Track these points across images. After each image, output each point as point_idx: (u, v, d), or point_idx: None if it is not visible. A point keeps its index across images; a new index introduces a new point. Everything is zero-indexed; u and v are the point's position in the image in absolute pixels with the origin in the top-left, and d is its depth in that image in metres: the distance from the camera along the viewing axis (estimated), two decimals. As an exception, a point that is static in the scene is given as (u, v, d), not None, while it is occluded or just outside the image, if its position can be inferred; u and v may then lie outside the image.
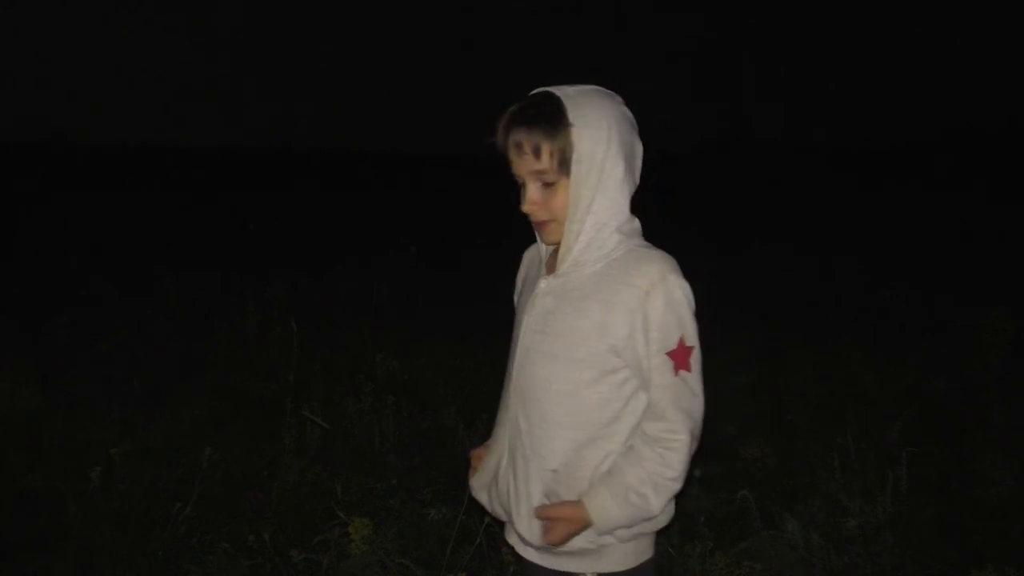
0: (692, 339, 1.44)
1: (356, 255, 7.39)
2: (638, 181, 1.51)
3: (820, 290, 6.45)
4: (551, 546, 1.51)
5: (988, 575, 2.65)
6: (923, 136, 20.76)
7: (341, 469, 3.48)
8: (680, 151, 18.82)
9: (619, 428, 1.47)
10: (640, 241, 1.50)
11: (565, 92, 1.45)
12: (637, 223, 1.51)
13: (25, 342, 4.81)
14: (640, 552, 1.54)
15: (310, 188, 14.50)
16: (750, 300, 6.09)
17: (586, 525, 1.47)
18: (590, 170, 1.43)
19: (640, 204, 1.55)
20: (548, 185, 1.46)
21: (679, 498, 1.54)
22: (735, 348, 4.90)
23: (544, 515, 1.50)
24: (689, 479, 3.06)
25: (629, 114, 1.48)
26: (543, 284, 1.54)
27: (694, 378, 1.44)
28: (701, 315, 1.46)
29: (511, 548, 1.64)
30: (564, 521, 1.47)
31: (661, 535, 1.91)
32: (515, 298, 1.69)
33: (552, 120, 1.42)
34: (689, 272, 1.47)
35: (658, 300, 1.41)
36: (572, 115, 1.42)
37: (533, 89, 1.49)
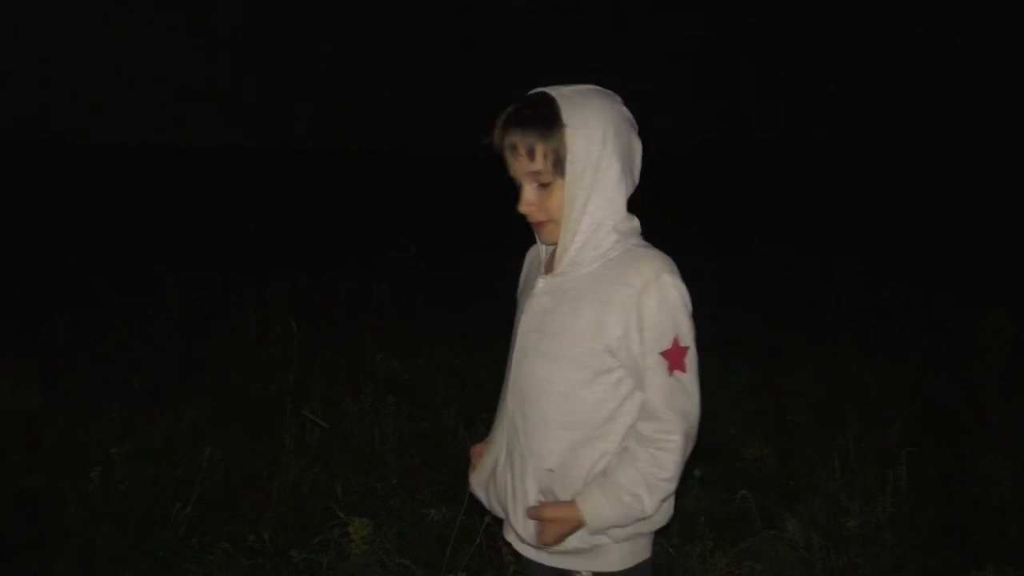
0: (687, 339, 1.43)
1: (356, 255, 7.40)
2: (638, 180, 1.51)
3: (820, 290, 6.45)
4: (545, 546, 1.52)
5: (988, 575, 2.65)
6: (923, 136, 20.75)
7: (341, 469, 3.48)
8: (680, 151, 18.80)
9: (615, 428, 1.47)
10: (638, 241, 1.50)
11: (560, 92, 1.45)
12: (635, 222, 1.51)
13: (25, 342, 4.81)
14: (636, 552, 1.54)
15: (310, 188, 14.50)
16: (750, 300, 6.09)
17: (579, 525, 1.47)
18: (585, 170, 1.43)
19: (640, 204, 1.55)
20: (544, 186, 1.47)
21: (679, 498, 1.54)
22: (735, 348, 4.91)
23: (536, 516, 1.50)
24: (689, 479, 3.06)
25: (627, 113, 1.48)
26: (540, 284, 1.54)
27: (689, 379, 1.44)
28: (701, 315, 1.46)
29: (510, 547, 1.65)
30: (557, 522, 1.48)
31: (661, 535, 1.91)
32: (517, 297, 1.69)
33: (546, 121, 1.43)
34: (689, 272, 1.47)
35: (652, 300, 1.41)
36: (566, 115, 1.42)
37: (532, 89, 1.49)
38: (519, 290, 1.69)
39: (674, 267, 1.45)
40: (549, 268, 1.56)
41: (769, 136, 22.39)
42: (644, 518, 1.46)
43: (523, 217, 1.54)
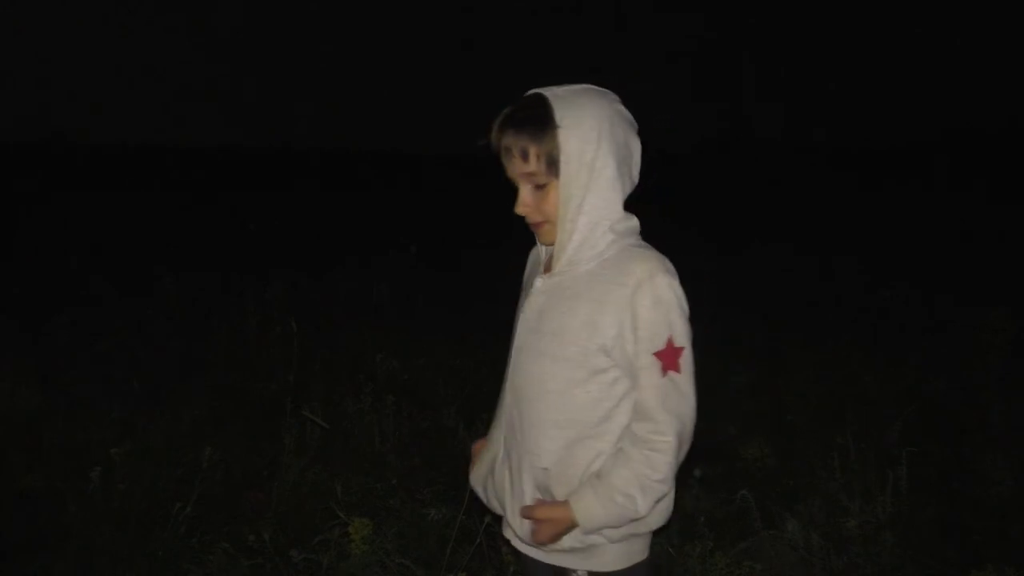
0: (682, 340, 1.43)
1: (356, 255, 7.40)
2: (637, 180, 1.51)
3: (820, 290, 6.45)
4: (540, 545, 1.52)
5: (988, 575, 2.65)
6: (923, 136, 20.74)
7: (341, 469, 3.48)
8: (680, 151, 18.80)
9: (610, 428, 1.47)
10: (635, 240, 1.50)
11: (555, 93, 1.45)
12: (633, 222, 1.51)
13: (25, 342, 4.81)
14: (632, 553, 1.54)
15: (310, 188, 14.50)
16: (750, 300, 6.09)
17: (573, 525, 1.47)
18: (579, 170, 1.43)
19: (640, 204, 1.55)
20: (539, 187, 1.47)
21: (679, 498, 1.54)
22: (735, 348, 4.91)
23: (530, 515, 1.51)
24: (689, 479, 3.06)
25: (625, 112, 1.48)
26: (538, 283, 1.55)
27: (684, 379, 1.43)
28: (701, 315, 1.46)
29: (510, 546, 1.65)
30: (551, 522, 1.48)
31: (660, 535, 1.91)
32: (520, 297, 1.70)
33: (538, 123, 1.43)
34: (689, 272, 1.47)
35: (645, 299, 1.41)
36: (559, 116, 1.42)
37: (530, 90, 1.49)
38: (522, 290, 1.70)
39: (669, 267, 1.45)
40: (548, 268, 1.56)
41: (769, 136, 22.37)
42: (638, 519, 1.46)
43: (523, 218, 1.54)
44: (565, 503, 1.47)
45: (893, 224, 9.64)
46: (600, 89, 1.49)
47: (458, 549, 2.72)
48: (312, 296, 6.09)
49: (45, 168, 15.60)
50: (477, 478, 1.67)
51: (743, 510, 2.98)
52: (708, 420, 1.49)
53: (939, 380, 4.48)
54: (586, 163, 1.43)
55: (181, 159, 19.20)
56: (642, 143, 1.50)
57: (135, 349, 4.79)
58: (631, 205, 1.53)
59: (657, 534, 1.59)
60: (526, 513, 1.52)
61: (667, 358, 1.42)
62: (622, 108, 1.48)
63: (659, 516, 1.51)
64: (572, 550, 1.51)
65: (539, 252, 1.64)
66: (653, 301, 1.41)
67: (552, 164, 1.44)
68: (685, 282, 1.47)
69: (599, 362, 1.45)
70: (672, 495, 1.51)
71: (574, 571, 1.53)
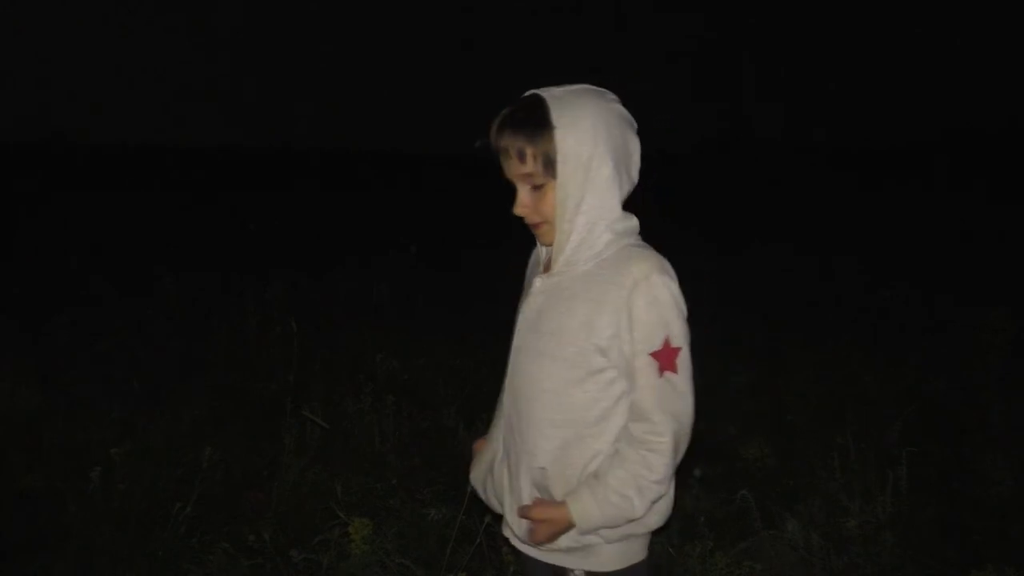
0: (679, 340, 1.42)
1: (356, 255, 7.40)
2: (636, 179, 1.51)
3: (820, 290, 6.45)
4: (537, 544, 1.53)
5: (988, 575, 2.65)
6: (923, 136, 20.74)
7: (341, 469, 3.48)
8: (680, 151, 18.81)
9: (607, 428, 1.47)
10: (634, 240, 1.50)
11: (552, 94, 1.46)
12: (632, 222, 1.50)
13: (25, 342, 4.81)
14: (630, 554, 1.54)
15: (310, 188, 14.50)
16: (750, 300, 6.09)
17: (570, 526, 1.47)
18: (576, 170, 1.43)
19: (640, 204, 1.55)
20: (537, 188, 1.47)
21: (679, 498, 1.54)
22: (735, 348, 4.91)
23: (526, 515, 1.51)
24: (689, 479, 3.06)
25: (623, 112, 1.48)
26: (537, 283, 1.55)
27: (681, 380, 1.43)
28: (701, 315, 1.46)
29: (510, 545, 1.66)
30: (548, 522, 1.48)
31: (660, 535, 1.91)
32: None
33: (535, 124, 1.43)
34: (689, 272, 1.47)
35: (641, 299, 1.41)
36: (555, 117, 1.42)
37: (530, 90, 1.49)
38: (523, 290, 1.70)
39: (666, 267, 1.45)
40: (547, 268, 1.56)
41: (769, 136, 22.38)
42: (635, 519, 1.46)
43: (522, 219, 1.54)
44: (562, 503, 1.47)
45: (893, 224, 9.64)
46: (598, 89, 1.49)
47: (458, 549, 2.72)
48: (312, 296, 6.09)
49: (45, 168, 15.60)
50: (477, 477, 1.68)
51: (743, 510, 2.97)
52: (708, 420, 1.49)
53: (939, 380, 4.48)
54: (583, 163, 1.43)
55: (181, 159, 19.20)
56: (642, 143, 1.50)
57: (135, 349, 4.79)
58: (631, 205, 1.53)
59: (657, 534, 1.59)
60: (523, 513, 1.52)
61: (664, 358, 1.42)
62: (621, 108, 1.48)
63: (657, 517, 1.51)
64: (569, 550, 1.52)
65: (540, 252, 1.65)
66: (649, 301, 1.41)
67: (549, 165, 1.44)
68: (685, 282, 1.47)
69: (596, 362, 1.45)
70: (670, 496, 1.51)
71: (571, 570, 1.53)
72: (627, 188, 1.50)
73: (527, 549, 1.59)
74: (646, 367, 1.42)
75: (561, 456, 1.49)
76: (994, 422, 3.92)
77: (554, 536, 1.50)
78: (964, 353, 4.70)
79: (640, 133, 1.50)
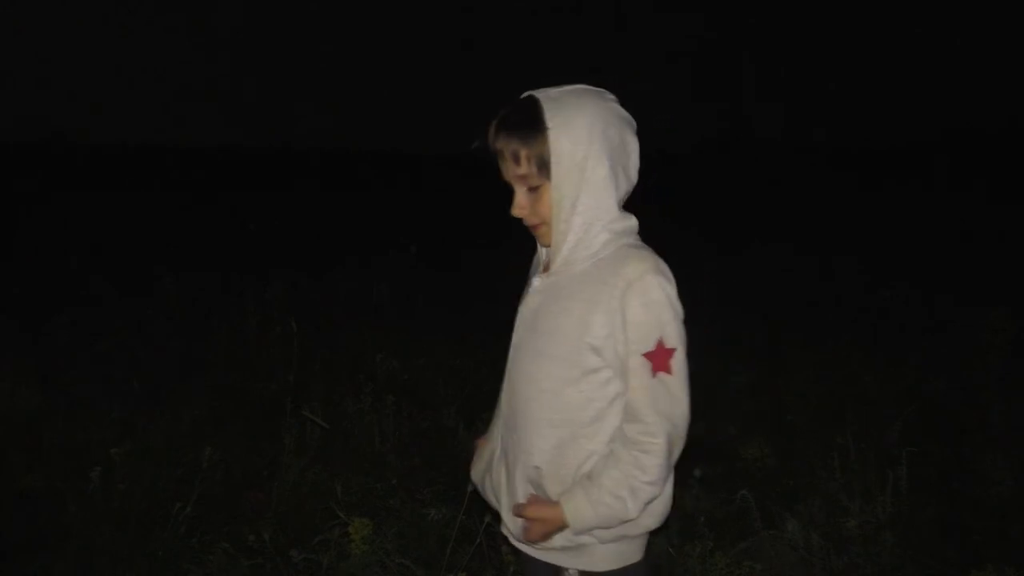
0: (673, 341, 1.42)
1: (356, 255, 7.39)
2: (635, 179, 1.51)
3: (820, 290, 6.45)
4: (530, 543, 1.54)
5: (988, 575, 2.65)
6: (923, 136, 20.73)
7: (341, 469, 3.49)
8: (680, 151, 18.80)
9: (602, 428, 1.47)
10: (632, 240, 1.49)
11: (547, 95, 1.46)
12: (631, 222, 1.50)
13: (25, 342, 4.81)
14: (625, 554, 1.53)
15: (310, 188, 14.49)
16: (750, 300, 6.09)
17: (563, 525, 1.48)
18: (570, 171, 1.43)
19: (640, 204, 1.55)
20: (533, 189, 1.48)
21: (679, 498, 1.54)
22: (735, 348, 4.91)
23: (520, 514, 1.52)
24: (689, 479, 3.05)
25: (621, 111, 1.48)
26: (536, 283, 1.56)
27: (675, 381, 1.42)
28: (701, 315, 1.46)
29: (510, 545, 1.66)
30: (541, 521, 1.49)
31: (660, 535, 1.91)
32: None
33: (528, 126, 1.44)
34: (689, 272, 1.46)
35: (635, 300, 1.40)
36: (549, 118, 1.42)
37: (529, 90, 1.49)
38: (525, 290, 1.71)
39: (662, 268, 1.44)
40: (546, 268, 1.57)
41: (769, 136, 22.35)
42: (628, 520, 1.46)
43: (522, 220, 1.54)
44: (556, 503, 1.48)
45: (893, 224, 9.64)
46: (595, 89, 1.49)
47: (458, 549, 2.72)
48: (312, 296, 6.09)
49: (45, 168, 15.60)
50: (477, 474, 1.69)
51: (743, 510, 2.98)
52: (708, 420, 1.49)
53: (939, 380, 4.48)
54: (577, 164, 1.43)
55: (181, 159, 19.19)
56: (642, 143, 1.49)
57: (135, 349, 4.79)
58: (630, 205, 1.53)
59: (656, 534, 1.59)
60: (517, 511, 1.53)
61: (657, 359, 1.41)
62: (618, 107, 1.48)
63: (652, 518, 1.50)
64: (563, 549, 1.52)
65: (541, 253, 1.65)
66: (643, 302, 1.41)
67: (543, 166, 1.44)
68: (685, 282, 1.46)
69: (591, 362, 1.45)
70: (666, 497, 1.51)
71: (566, 570, 1.54)
72: (625, 188, 1.49)
73: (524, 547, 1.59)
74: (639, 368, 1.42)
75: (556, 455, 1.49)
76: (994, 422, 3.92)
77: (547, 535, 1.50)
78: (964, 353, 4.70)
79: (640, 133, 1.50)
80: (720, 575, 2.69)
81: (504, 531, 1.65)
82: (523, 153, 1.45)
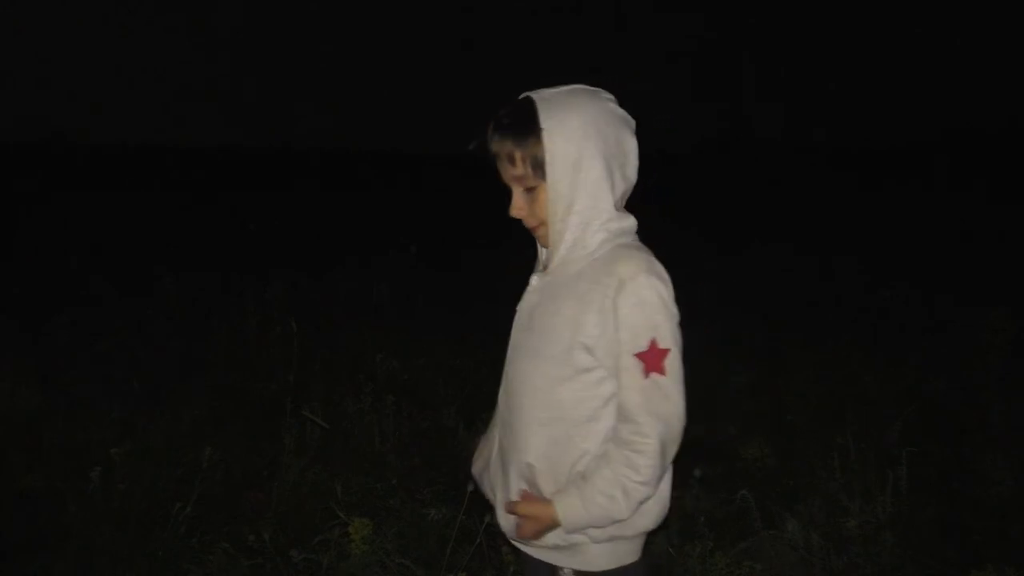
0: (667, 341, 1.41)
1: (356, 255, 7.39)
2: (633, 178, 1.50)
3: (820, 290, 6.45)
4: (523, 541, 1.54)
5: (988, 575, 2.65)
6: (923, 136, 20.72)
7: (341, 469, 3.49)
8: (680, 151, 18.81)
9: (596, 428, 1.47)
10: (629, 240, 1.49)
11: (542, 96, 1.46)
12: (629, 222, 1.50)
13: (25, 342, 4.81)
14: (620, 555, 1.53)
15: (310, 188, 14.49)
16: (750, 300, 6.09)
17: (555, 523, 1.48)
18: (565, 171, 1.43)
19: (640, 204, 1.55)
20: (530, 190, 1.48)
21: (678, 498, 1.53)
22: (735, 348, 4.91)
23: (512, 511, 1.52)
24: (689, 479, 3.05)
25: (618, 111, 1.48)
26: (533, 282, 1.57)
27: (668, 381, 1.42)
28: (701, 315, 1.46)
29: (510, 545, 1.66)
30: (533, 519, 1.49)
31: (660, 535, 1.91)
32: None
33: (522, 127, 1.44)
34: (689, 272, 1.46)
35: (627, 300, 1.40)
36: (543, 119, 1.43)
37: (529, 90, 1.50)
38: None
39: (656, 268, 1.44)
40: (545, 268, 1.57)
41: (769, 136, 22.35)
42: (620, 520, 1.46)
43: (521, 221, 1.54)
44: (549, 501, 1.48)
45: (893, 224, 9.64)
46: (591, 89, 1.49)
47: (458, 549, 2.72)
48: (312, 296, 6.09)
49: (45, 168, 15.59)
50: (476, 470, 1.70)
51: (743, 510, 2.98)
52: (708, 420, 1.49)
53: (939, 380, 4.48)
54: (571, 164, 1.43)
55: (181, 159, 19.18)
56: (642, 143, 1.49)
57: (135, 349, 4.79)
58: (630, 205, 1.53)
59: (656, 534, 1.58)
60: (510, 508, 1.53)
61: (650, 360, 1.41)
62: (615, 107, 1.48)
63: (647, 519, 1.50)
64: (556, 547, 1.52)
65: (541, 253, 1.65)
66: (635, 302, 1.40)
67: (538, 167, 1.45)
68: (685, 282, 1.46)
69: (583, 360, 1.45)
70: (663, 498, 1.50)
71: (561, 569, 1.54)
72: (623, 188, 1.49)
73: (521, 545, 1.60)
74: (631, 368, 1.41)
75: (549, 454, 1.49)
76: (994, 422, 3.92)
77: (540, 533, 1.50)
78: (964, 353, 4.70)
79: (640, 133, 1.49)
80: (720, 575, 2.69)
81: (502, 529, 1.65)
82: (518, 154, 1.45)
